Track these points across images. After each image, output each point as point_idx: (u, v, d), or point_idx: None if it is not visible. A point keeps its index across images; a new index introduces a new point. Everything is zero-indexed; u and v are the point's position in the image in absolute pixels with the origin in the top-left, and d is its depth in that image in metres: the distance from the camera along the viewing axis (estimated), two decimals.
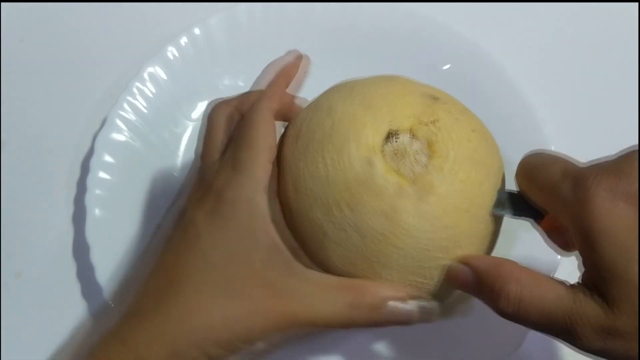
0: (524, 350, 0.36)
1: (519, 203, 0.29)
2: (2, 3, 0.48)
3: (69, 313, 0.39)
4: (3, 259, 0.40)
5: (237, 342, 0.27)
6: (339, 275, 0.29)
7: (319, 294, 0.28)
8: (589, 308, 0.24)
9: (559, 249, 0.30)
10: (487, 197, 0.29)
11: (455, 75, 0.42)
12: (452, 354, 0.37)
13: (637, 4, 0.49)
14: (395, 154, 0.28)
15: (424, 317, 0.29)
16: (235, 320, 0.27)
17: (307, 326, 0.28)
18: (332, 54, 0.44)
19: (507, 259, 0.28)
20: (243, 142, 0.30)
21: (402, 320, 0.29)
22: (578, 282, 0.26)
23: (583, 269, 0.26)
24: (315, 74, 0.44)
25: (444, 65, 0.43)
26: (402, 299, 0.28)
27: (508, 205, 0.29)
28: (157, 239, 0.32)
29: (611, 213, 0.24)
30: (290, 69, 0.34)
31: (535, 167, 0.28)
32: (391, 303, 0.28)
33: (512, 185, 0.30)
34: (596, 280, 0.25)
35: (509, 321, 0.26)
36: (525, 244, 0.37)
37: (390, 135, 0.28)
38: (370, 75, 0.32)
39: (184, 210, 0.30)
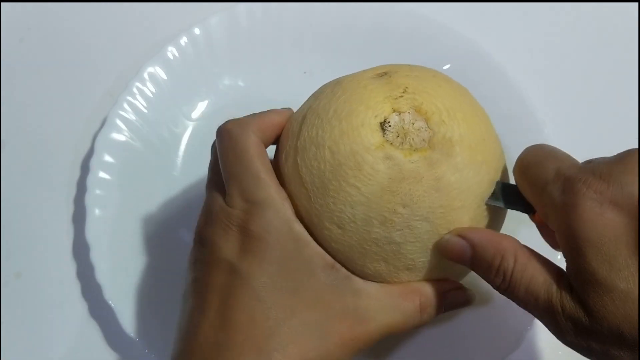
0: (524, 350, 0.36)
1: (512, 194, 0.29)
2: (2, 3, 0.48)
3: (69, 313, 0.39)
4: (3, 259, 0.40)
5: None
6: (429, 268, 0.29)
7: (388, 307, 0.29)
8: (570, 307, 0.25)
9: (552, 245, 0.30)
10: (485, 119, 0.31)
11: (455, 75, 0.42)
12: (452, 353, 0.37)
13: (637, 4, 0.49)
14: (399, 136, 0.28)
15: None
16: (331, 357, 0.27)
17: (383, 337, 0.29)
18: (332, 54, 0.44)
19: (507, 235, 0.28)
20: (247, 172, 0.29)
21: (462, 305, 0.31)
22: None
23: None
24: (315, 74, 0.44)
25: (444, 65, 0.43)
26: (458, 287, 0.30)
27: (500, 196, 0.30)
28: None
29: (597, 220, 0.24)
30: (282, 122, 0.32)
31: (531, 164, 0.28)
32: (451, 294, 0.30)
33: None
34: (577, 286, 0.25)
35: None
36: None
37: (383, 125, 0.28)
38: None
39: (212, 254, 0.29)
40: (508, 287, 0.26)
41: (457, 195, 0.28)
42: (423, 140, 0.28)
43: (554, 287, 0.25)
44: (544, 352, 0.38)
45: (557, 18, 0.49)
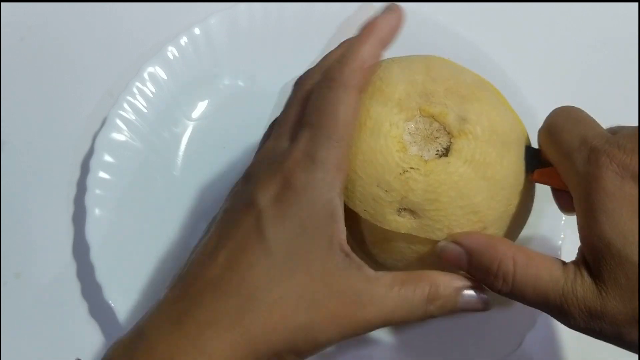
0: (524, 350, 0.36)
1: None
2: (2, 3, 0.48)
3: (69, 313, 0.39)
4: (3, 259, 0.40)
5: (316, 349, 0.27)
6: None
7: (394, 296, 0.27)
8: (580, 289, 0.25)
9: (561, 207, 0.30)
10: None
11: None
12: (452, 353, 0.37)
13: (637, 4, 0.49)
14: (431, 141, 0.28)
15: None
16: (318, 331, 0.27)
17: (384, 326, 0.28)
18: None
19: (501, 238, 0.28)
20: (322, 131, 0.28)
21: (477, 309, 0.29)
22: (574, 260, 0.26)
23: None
24: None
25: None
26: (476, 287, 0.28)
27: None
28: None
29: (617, 192, 0.24)
30: (388, 32, 0.31)
31: (558, 128, 0.28)
32: (466, 292, 0.28)
33: None
34: (590, 259, 0.25)
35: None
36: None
37: (409, 147, 0.28)
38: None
39: (250, 193, 0.28)
40: (512, 290, 0.26)
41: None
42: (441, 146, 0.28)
43: (562, 280, 0.25)
44: (544, 352, 0.38)
45: (557, 18, 0.49)
